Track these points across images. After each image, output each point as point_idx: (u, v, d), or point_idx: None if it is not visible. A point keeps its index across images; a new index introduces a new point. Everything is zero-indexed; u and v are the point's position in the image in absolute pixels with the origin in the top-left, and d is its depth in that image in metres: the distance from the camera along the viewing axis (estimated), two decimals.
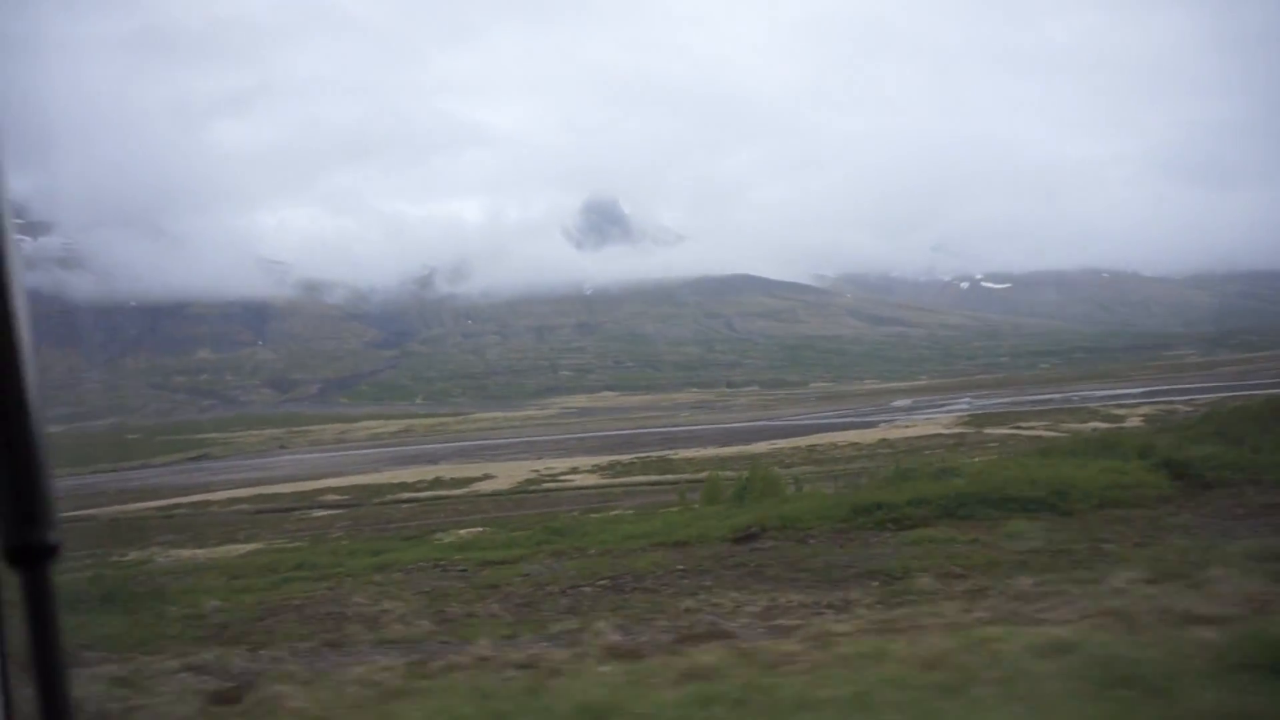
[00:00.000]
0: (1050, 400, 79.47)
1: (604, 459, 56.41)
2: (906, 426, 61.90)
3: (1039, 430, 48.93)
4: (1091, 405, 66.50)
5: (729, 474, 28.58)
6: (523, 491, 44.37)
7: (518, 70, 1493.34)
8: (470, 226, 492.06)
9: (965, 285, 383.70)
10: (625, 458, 55.20)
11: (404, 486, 50.81)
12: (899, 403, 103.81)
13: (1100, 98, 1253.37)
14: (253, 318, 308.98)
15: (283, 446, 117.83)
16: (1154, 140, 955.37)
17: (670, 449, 61.25)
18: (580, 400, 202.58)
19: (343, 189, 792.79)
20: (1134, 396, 72.21)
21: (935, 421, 63.09)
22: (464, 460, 70.02)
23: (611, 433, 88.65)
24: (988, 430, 51.90)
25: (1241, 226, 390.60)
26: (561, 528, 18.69)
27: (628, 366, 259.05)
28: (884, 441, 49.62)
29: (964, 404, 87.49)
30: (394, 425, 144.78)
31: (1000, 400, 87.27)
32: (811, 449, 49.58)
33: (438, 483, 51.19)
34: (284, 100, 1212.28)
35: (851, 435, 55.59)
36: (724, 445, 59.37)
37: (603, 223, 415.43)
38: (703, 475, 39.45)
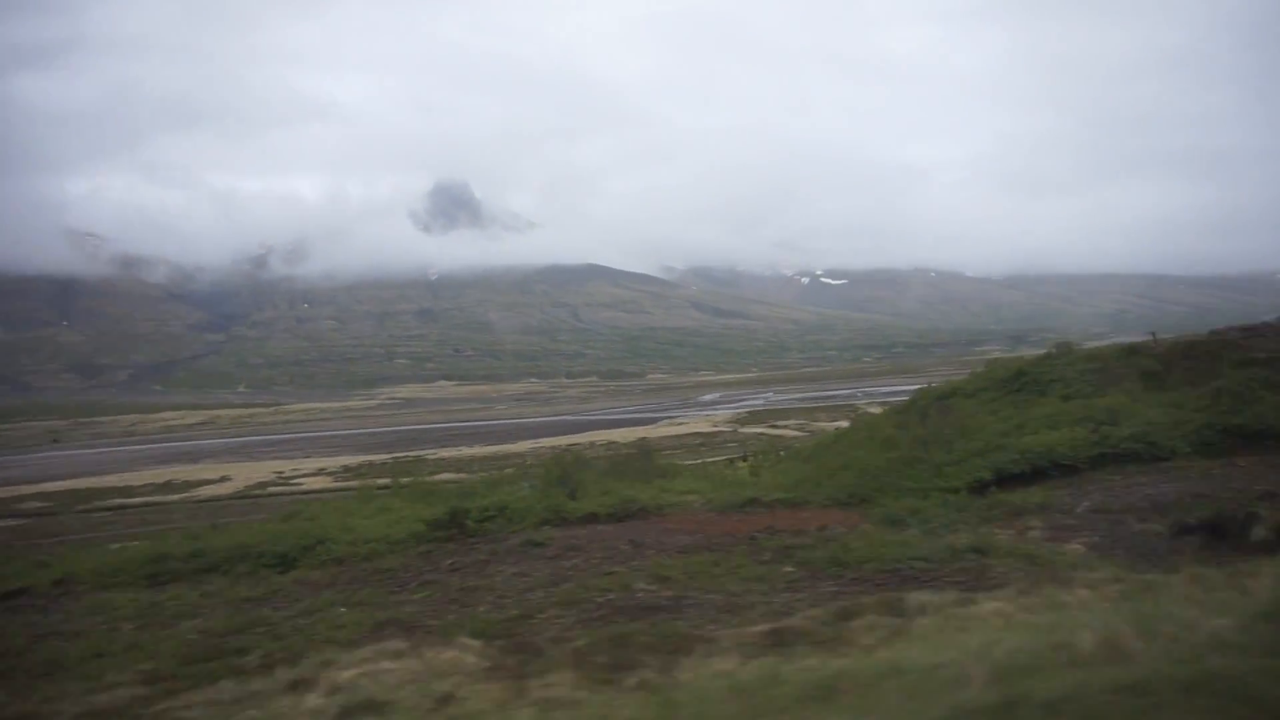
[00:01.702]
0: (835, 397, 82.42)
1: (360, 459, 54.05)
2: (680, 424, 62.53)
3: (789, 430, 50.15)
4: (863, 403, 69.29)
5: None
6: (244, 496, 41.55)
7: (364, 45, 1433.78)
8: (310, 205, 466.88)
9: (806, 280, 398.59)
10: (382, 458, 52.96)
11: (126, 491, 46.73)
12: (708, 396, 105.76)
13: (931, 107, 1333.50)
14: (57, 295, 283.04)
15: (55, 441, 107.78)
16: (977, 149, 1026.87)
17: (442, 447, 59.41)
18: (411, 390, 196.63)
19: (168, 159, 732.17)
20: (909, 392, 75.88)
21: (711, 419, 64.05)
22: (232, 459, 65.79)
23: (406, 428, 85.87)
24: (745, 429, 52.87)
25: (1052, 232, 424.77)
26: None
27: (467, 355, 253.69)
28: (641, 440, 49.53)
29: (760, 399, 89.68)
30: (196, 416, 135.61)
31: (794, 396, 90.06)
32: (567, 448, 48.95)
33: (167, 486, 47.43)
34: (99, 56, 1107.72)
35: (619, 434, 55.41)
36: (496, 444, 58.09)
37: (452, 206, 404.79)
38: (434, 478, 38.19)
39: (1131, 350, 24.07)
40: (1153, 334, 28.16)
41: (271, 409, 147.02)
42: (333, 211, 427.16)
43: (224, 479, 48.29)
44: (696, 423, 62.00)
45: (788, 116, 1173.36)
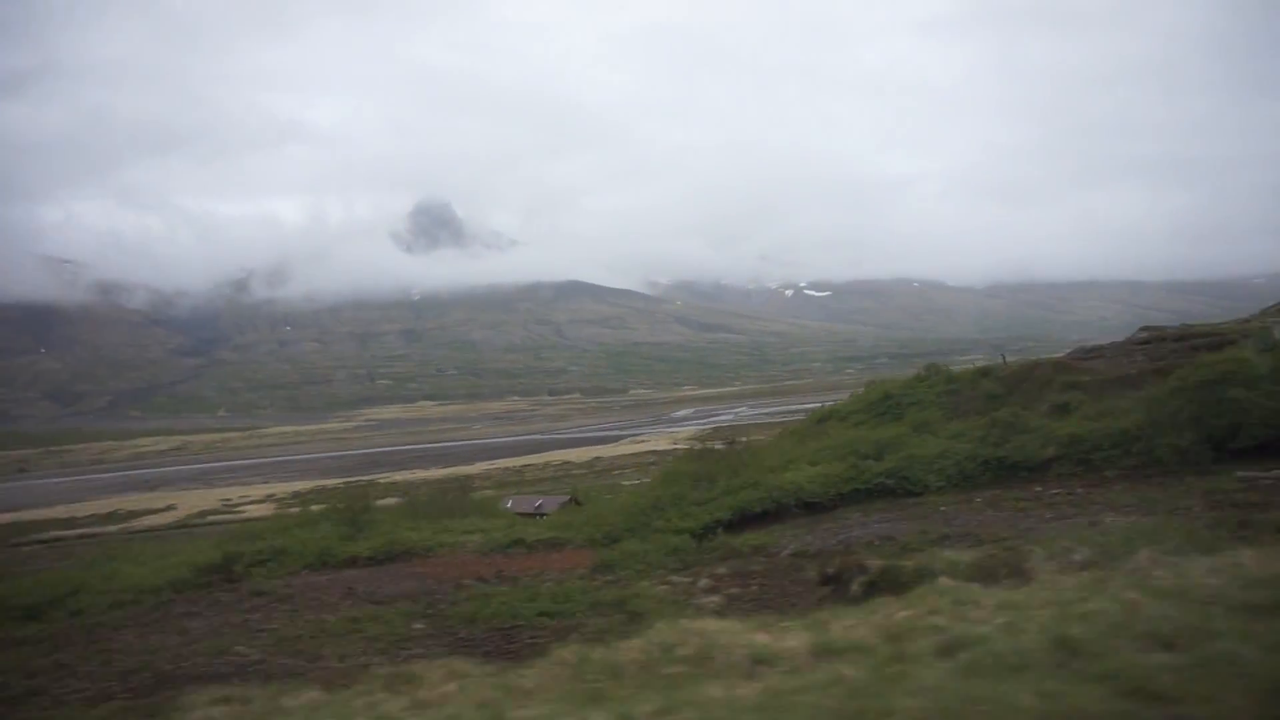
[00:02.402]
0: (806, 410, 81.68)
1: (315, 484, 53.14)
2: (641, 442, 61.92)
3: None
4: None
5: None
6: (183, 526, 40.66)
7: (339, 66, 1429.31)
8: (290, 227, 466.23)
9: (790, 293, 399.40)
10: (336, 482, 52.06)
11: (68, 523, 45.73)
12: (680, 412, 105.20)
13: (909, 119, 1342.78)
14: (34, 322, 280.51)
15: (22, 470, 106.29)
16: (957, 160, 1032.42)
17: (400, 470, 58.58)
18: (393, 411, 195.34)
19: (143, 184, 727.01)
20: None
21: (673, 436, 63.42)
22: (189, 486, 64.83)
23: (375, 450, 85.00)
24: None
25: (1032, 241, 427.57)
26: None
27: (450, 375, 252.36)
28: (595, 460, 48.96)
29: (731, 414, 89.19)
30: (171, 442, 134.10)
31: (766, 410, 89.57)
32: (519, 469, 48.28)
33: (110, 517, 46.44)
34: (72, 82, 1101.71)
35: (578, 453, 54.76)
36: (453, 466, 57.30)
37: (433, 226, 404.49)
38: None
39: (984, 373, 23.88)
40: (1002, 356, 27.88)
41: (247, 433, 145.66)
42: (313, 233, 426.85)
43: (169, 508, 47.37)
44: (657, 440, 61.36)
45: (768, 131, 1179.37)
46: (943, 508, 14.59)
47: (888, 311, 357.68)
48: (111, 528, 42.07)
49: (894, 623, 4.98)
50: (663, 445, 56.27)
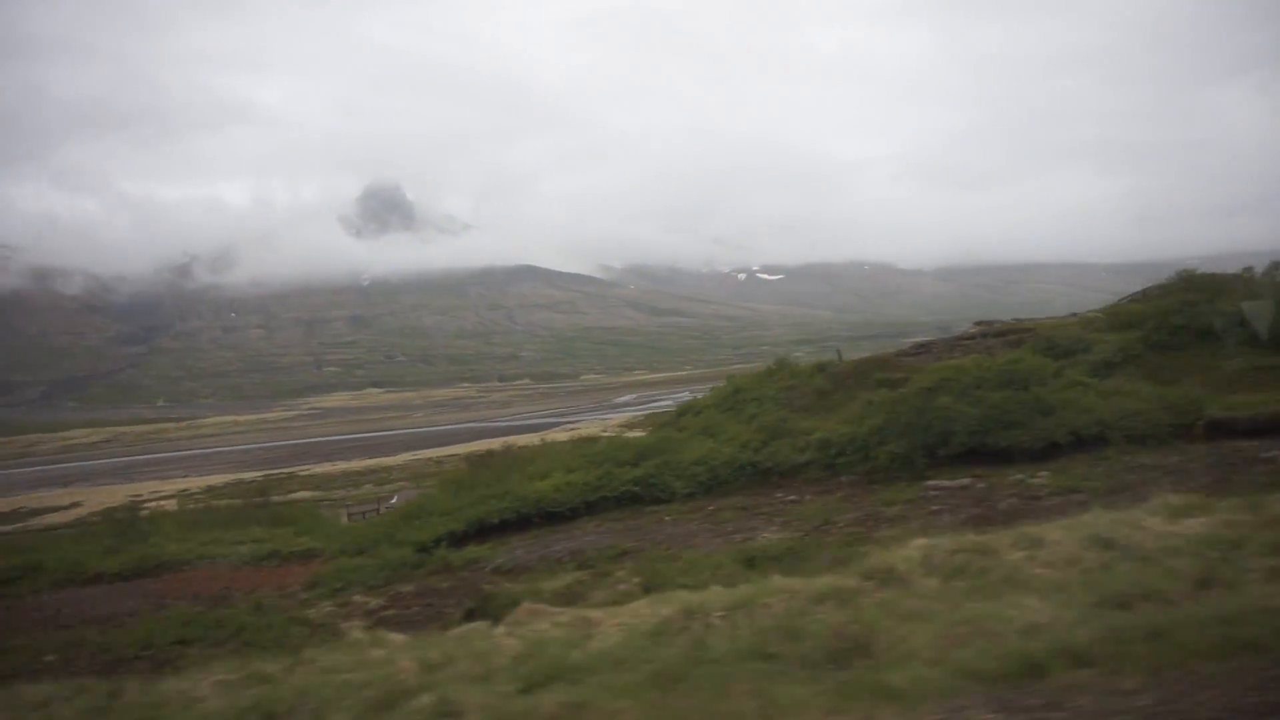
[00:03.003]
0: None
1: (232, 477, 51.74)
2: (575, 429, 61.36)
3: None
4: None
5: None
6: (81, 524, 39.10)
7: (285, 45, 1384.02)
8: (235, 211, 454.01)
9: (743, 276, 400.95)
10: (255, 475, 50.74)
11: None
12: (624, 398, 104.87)
13: (860, 103, 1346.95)
14: None
15: None
16: (906, 144, 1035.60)
17: (327, 461, 57.35)
18: (339, 399, 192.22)
19: (81, 166, 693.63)
20: None
21: (607, 423, 62.94)
22: (107, 481, 62.84)
23: (307, 440, 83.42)
24: (633, 433, 51.78)
25: (981, 224, 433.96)
26: None
27: (399, 361, 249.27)
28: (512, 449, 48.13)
29: (671, 400, 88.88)
30: (103, 434, 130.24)
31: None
32: (440, 460, 47.46)
33: (10, 516, 44.62)
34: (2, 58, 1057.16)
35: (507, 442, 53.92)
36: (378, 457, 56.19)
37: (384, 210, 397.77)
38: (290, 497, 36.41)
39: (820, 368, 24.04)
40: (838, 351, 28.01)
41: (184, 424, 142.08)
42: (259, 217, 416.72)
43: (74, 505, 45.67)
44: (590, 427, 60.86)
45: (721, 115, 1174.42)
46: (667, 518, 14.81)
47: (840, 294, 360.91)
48: (7, 527, 40.38)
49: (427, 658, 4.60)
50: (594, 431, 55.75)
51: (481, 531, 13.76)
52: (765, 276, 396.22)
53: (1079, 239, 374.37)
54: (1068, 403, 16.47)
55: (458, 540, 13.02)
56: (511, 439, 41.08)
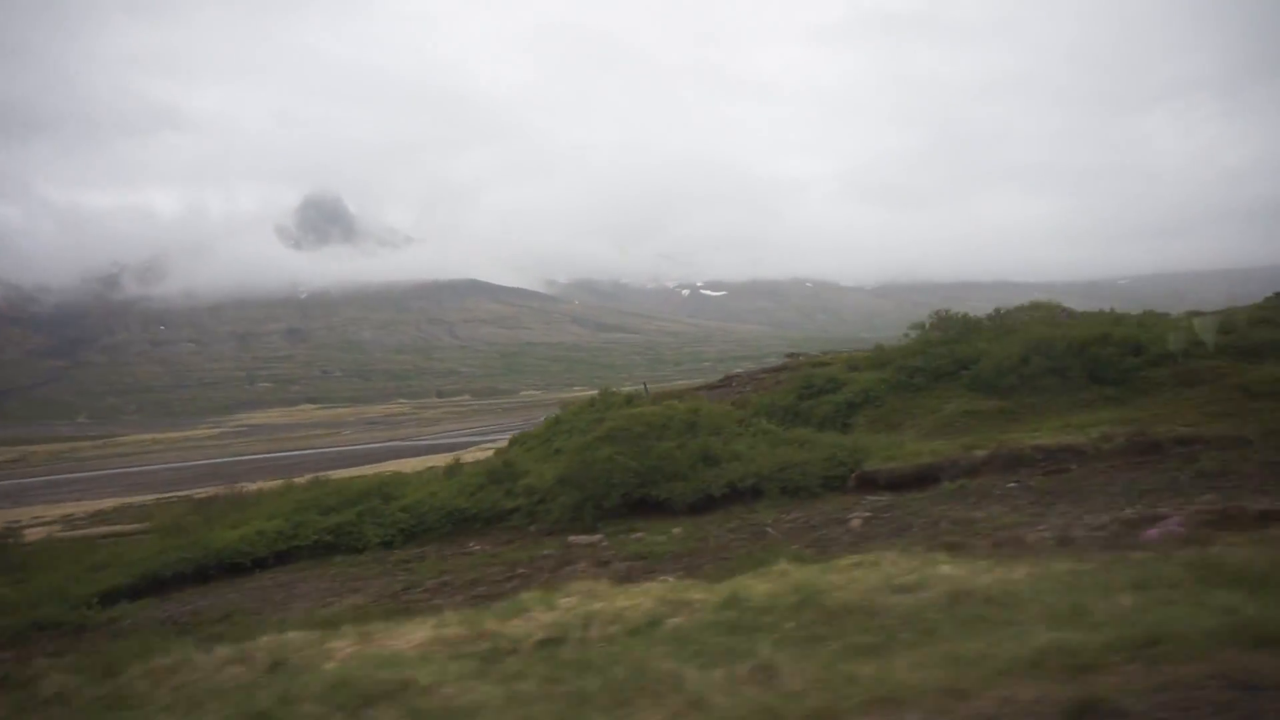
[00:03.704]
0: None
1: (121, 502, 49.17)
2: (489, 449, 59.86)
3: None
4: None
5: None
6: None
7: (222, 51, 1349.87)
8: (166, 220, 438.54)
9: (687, 292, 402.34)
10: (145, 499, 48.22)
11: None
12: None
13: (802, 123, 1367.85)
14: None
15: None
16: (846, 163, 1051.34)
17: (220, 484, 54.83)
18: (271, 415, 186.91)
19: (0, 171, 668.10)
20: None
21: None
22: (2, 503, 59.29)
23: (221, 460, 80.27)
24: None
25: (919, 242, 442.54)
26: None
27: (336, 376, 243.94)
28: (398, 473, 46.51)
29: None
30: (11, 453, 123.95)
31: None
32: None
33: None
34: None
35: (416, 462, 52.24)
36: (277, 478, 53.86)
37: (323, 221, 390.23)
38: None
39: (627, 402, 23.94)
40: (644, 385, 27.83)
41: (100, 442, 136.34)
42: (192, 227, 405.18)
43: None
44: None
45: (666, 131, 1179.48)
46: (319, 573, 14.46)
47: (782, 311, 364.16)
48: None
49: None
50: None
51: (159, 584, 13.06)
52: (709, 293, 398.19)
53: (1013, 258, 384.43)
54: (736, 454, 16.41)
55: (135, 593, 12.51)
56: (434, 457, 39.79)
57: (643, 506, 15.48)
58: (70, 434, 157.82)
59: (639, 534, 14.31)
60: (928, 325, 24.53)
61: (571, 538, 14.55)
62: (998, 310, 25.38)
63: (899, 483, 14.45)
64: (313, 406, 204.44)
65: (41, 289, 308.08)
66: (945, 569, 6.41)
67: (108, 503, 50.92)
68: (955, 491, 13.44)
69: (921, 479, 14.38)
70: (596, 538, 14.44)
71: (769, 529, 12.83)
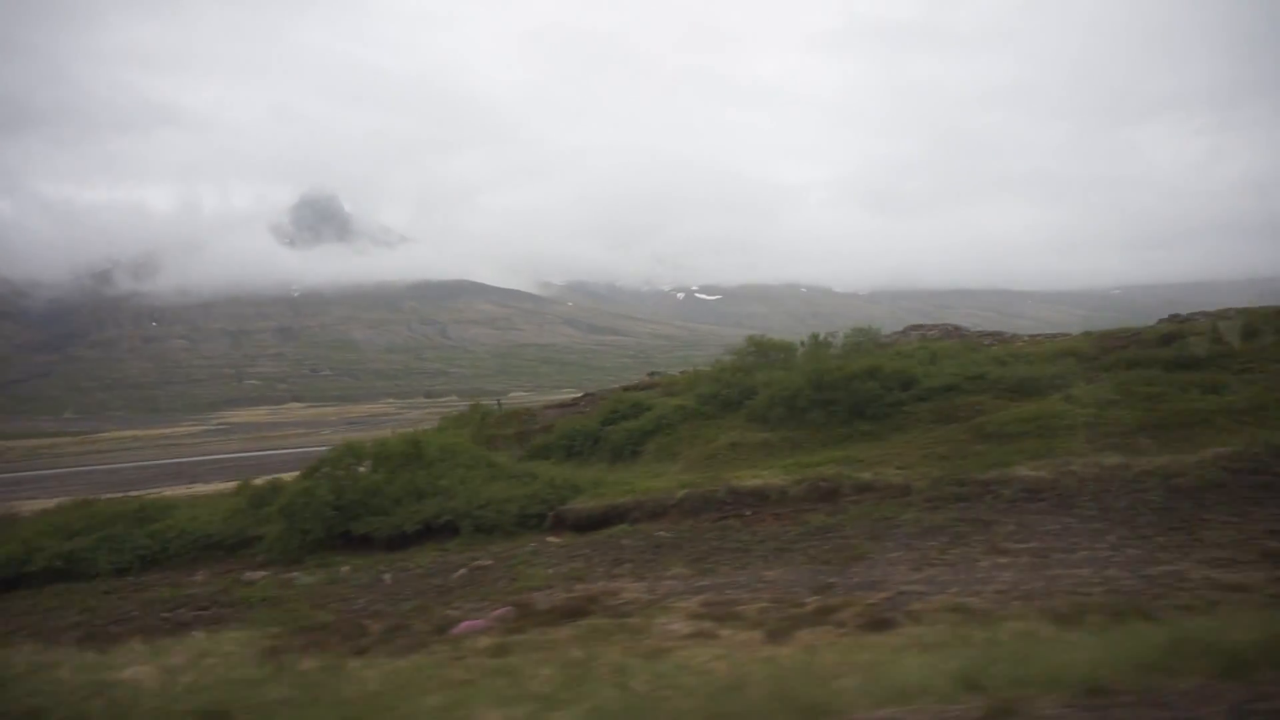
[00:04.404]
0: None
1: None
2: None
3: None
4: None
5: None
6: None
7: (220, 49, 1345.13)
8: (160, 217, 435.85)
9: (681, 296, 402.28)
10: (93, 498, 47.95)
11: None
12: None
13: (799, 128, 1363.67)
14: None
15: None
16: (843, 169, 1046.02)
17: (188, 483, 54.64)
18: (256, 413, 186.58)
19: None
20: None
21: None
22: None
23: (186, 460, 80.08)
24: None
25: (913, 249, 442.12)
26: None
27: (325, 375, 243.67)
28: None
29: None
30: None
31: None
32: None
33: None
34: None
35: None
36: (206, 483, 53.73)
37: (318, 220, 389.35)
38: None
39: (484, 416, 23.92)
40: (498, 401, 27.68)
41: (80, 438, 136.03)
42: (186, 224, 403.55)
43: None
44: None
45: (663, 135, 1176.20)
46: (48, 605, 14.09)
47: (776, 315, 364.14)
48: None
49: None
50: None
51: None
52: (704, 296, 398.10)
53: (1007, 267, 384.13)
54: (441, 489, 16.09)
55: None
56: None
57: (360, 540, 14.95)
58: (54, 429, 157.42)
59: (307, 574, 13.80)
60: (744, 350, 24.50)
61: (247, 574, 14.04)
62: (817, 335, 25.17)
63: (585, 524, 14.27)
64: (299, 405, 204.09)
65: (33, 284, 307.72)
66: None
67: (50, 501, 50.64)
68: (605, 541, 13.18)
69: (608, 520, 14.18)
70: (293, 574, 13.99)
71: (385, 577, 12.46)
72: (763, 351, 23.33)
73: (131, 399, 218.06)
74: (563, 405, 25.74)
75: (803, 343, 24.19)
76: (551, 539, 13.61)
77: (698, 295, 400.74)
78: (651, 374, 27.62)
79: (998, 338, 28.84)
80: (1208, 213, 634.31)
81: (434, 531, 14.85)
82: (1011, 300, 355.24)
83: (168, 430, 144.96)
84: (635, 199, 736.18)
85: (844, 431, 18.46)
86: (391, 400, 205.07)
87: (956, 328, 32.07)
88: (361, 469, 17.05)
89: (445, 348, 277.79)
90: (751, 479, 14.47)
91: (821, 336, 24.72)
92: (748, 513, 13.29)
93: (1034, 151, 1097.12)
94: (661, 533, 13.20)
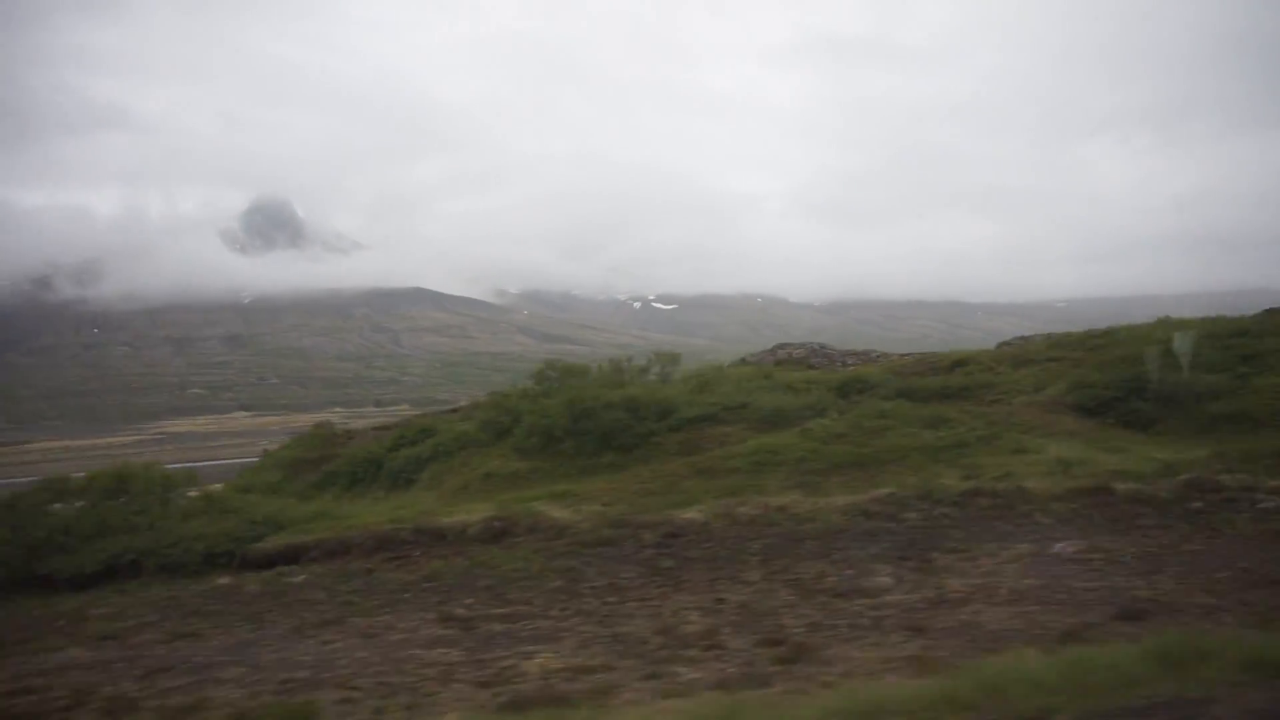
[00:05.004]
0: None
1: None
2: None
3: None
4: None
5: None
6: None
7: (167, 52, 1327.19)
8: (105, 222, 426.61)
9: (638, 305, 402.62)
10: None
11: None
12: None
13: (753, 140, 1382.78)
14: None
15: None
16: (796, 181, 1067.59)
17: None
18: (198, 423, 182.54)
19: None
20: None
21: None
22: None
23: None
24: None
25: (867, 261, 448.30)
26: None
27: (272, 384, 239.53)
28: None
29: None
30: None
31: None
32: None
33: None
34: None
35: None
36: None
37: (270, 226, 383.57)
38: None
39: (325, 438, 23.57)
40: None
41: (8, 448, 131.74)
42: (132, 229, 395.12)
43: None
44: None
45: (619, 145, 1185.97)
46: None
47: (730, 325, 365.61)
48: None
49: None
50: None
51: None
52: (660, 305, 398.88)
53: (957, 279, 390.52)
54: (134, 525, 15.37)
55: None
56: None
57: (43, 580, 14.11)
58: None
59: None
60: (542, 374, 24.28)
61: None
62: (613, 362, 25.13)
63: (263, 563, 13.81)
64: (245, 414, 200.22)
65: None
66: None
67: None
68: (227, 588, 12.70)
69: (288, 559, 13.70)
70: None
71: None
72: (562, 375, 23.13)
73: (69, 408, 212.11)
74: (384, 427, 25.24)
75: (600, 367, 24.02)
76: (225, 580, 13.13)
77: (654, 304, 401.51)
78: (494, 394, 27.25)
79: (863, 357, 29.09)
80: (1150, 228, 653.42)
81: (119, 572, 14.12)
82: (963, 312, 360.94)
83: (102, 441, 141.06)
84: (592, 208, 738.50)
85: (591, 462, 18.25)
86: (340, 409, 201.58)
87: (822, 346, 32.28)
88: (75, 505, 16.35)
89: (397, 356, 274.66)
90: (450, 515, 14.21)
91: (630, 361, 24.60)
92: (417, 554, 12.95)
93: (984, 166, 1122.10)
94: (299, 578, 12.60)
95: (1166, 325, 23.73)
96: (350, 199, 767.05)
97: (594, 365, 24.37)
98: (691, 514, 13.25)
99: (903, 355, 29.75)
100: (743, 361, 31.96)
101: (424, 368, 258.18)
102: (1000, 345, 27.84)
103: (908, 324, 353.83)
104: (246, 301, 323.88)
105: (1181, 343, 18.83)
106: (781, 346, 33.22)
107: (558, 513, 13.68)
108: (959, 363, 24.81)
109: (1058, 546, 10.69)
